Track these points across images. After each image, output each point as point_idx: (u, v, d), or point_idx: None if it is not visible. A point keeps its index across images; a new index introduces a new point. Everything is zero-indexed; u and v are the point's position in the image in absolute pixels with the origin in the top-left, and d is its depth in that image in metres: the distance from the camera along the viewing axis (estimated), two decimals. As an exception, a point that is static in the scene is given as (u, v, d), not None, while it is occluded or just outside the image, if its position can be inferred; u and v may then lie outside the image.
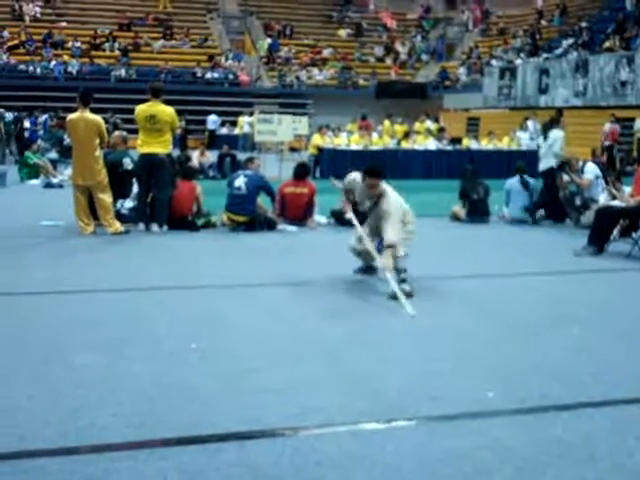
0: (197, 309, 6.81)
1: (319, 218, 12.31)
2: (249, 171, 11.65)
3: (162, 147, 10.97)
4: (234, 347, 5.67)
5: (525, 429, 4.26)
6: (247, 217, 11.30)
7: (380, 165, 8.02)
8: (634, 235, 10.02)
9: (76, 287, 7.56)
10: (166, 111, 11.00)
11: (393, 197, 7.54)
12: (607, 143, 23.39)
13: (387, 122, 27.29)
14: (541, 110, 29.09)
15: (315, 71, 41.00)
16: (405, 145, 22.20)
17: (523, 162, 13.90)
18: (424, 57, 43.65)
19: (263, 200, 11.85)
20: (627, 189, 10.73)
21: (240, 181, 11.35)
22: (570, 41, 32.00)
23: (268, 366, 5.23)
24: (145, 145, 11.03)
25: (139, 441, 4.02)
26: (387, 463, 3.79)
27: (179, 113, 11.79)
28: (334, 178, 11.40)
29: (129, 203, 11.65)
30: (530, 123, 25.65)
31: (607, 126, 24.22)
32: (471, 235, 11.47)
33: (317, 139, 22.41)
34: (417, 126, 27.59)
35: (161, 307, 6.88)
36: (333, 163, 20.34)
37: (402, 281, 7.17)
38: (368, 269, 8.04)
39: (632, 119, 23.85)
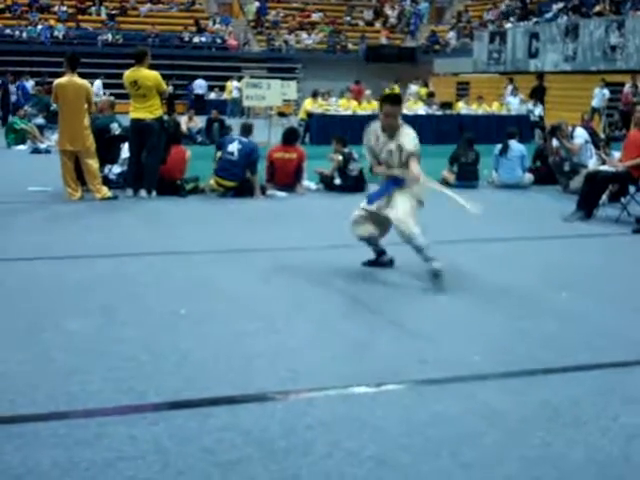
0: (187, 274, 6.81)
1: (308, 184, 12.29)
2: (244, 138, 11.55)
3: (149, 112, 10.88)
4: (224, 312, 5.68)
5: (513, 393, 4.30)
6: (236, 183, 11.26)
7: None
8: (623, 200, 10.06)
9: (65, 253, 7.55)
10: (149, 76, 10.90)
11: (412, 134, 6.75)
12: (623, 108, 22.93)
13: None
14: (530, 75, 29.07)
15: (304, 35, 40.71)
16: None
17: (515, 127, 13.86)
18: (414, 21, 43.34)
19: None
20: (616, 154, 10.74)
21: (234, 147, 11.26)
22: (560, 5, 31.81)
23: (258, 331, 5.25)
24: (134, 110, 10.97)
25: (131, 405, 4.04)
26: (376, 426, 3.82)
27: (166, 78, 11.68)
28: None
29: (117, 168, 11.60)
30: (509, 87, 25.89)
31: (598, 91, 24.13)
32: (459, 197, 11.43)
33: (308, 104, 22.29)
34: (414, 89, 27.51)
35: (150, 272, 6.88)
36: (323, 128, 20.25)
37: (428, 259, 6.47)
38: (378, 259, 7.18)
39: (622, 84, 23.79)
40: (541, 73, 22.98)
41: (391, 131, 6.72)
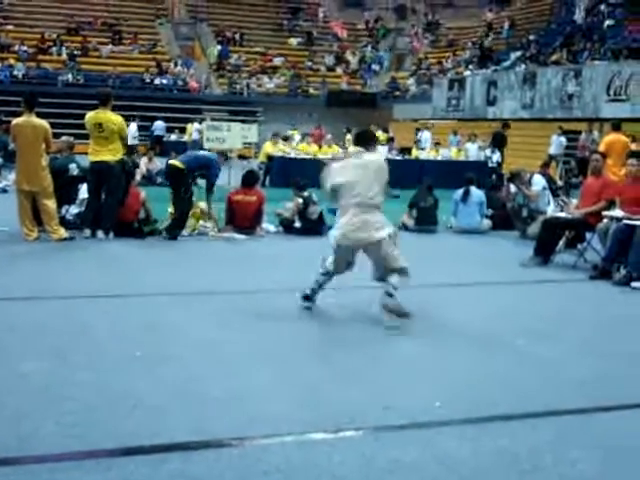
0: (143, 317, 6.71)
1: (268, 226, 12.27)
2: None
3: (112, 154, 10.84)
4: (179, 356, 5.59)
5: (472, 439, 4.27)
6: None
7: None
8: (579, 246, 10.17)
9: (19, 294, 7.41)
10: (113, 119, 10.89)
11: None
12: (580, 155, 23.20)
13: (349, 136, 27.19)
14: (489, 122, 29.47)
15: (265, 79, 40.97)
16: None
17: (473, 173, 14.04)
18: (374, 67, 43.87)
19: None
20: (574, 201, 10.88)
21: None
22: (518, 54, 32.44)
23: (214, 375, 5.17)
24: (95, 153, 10.90)
25: (83, 451, 3.94)
26: (334, 474, 3.76)
27: (127, 119, 11.67)
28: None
29: (74, 209, 11.49)
30: (421, 133, 26.56)
31: (555, 138, 24.51)
32: (418, 244, 11.49)
33: (268, 147, 22.36)
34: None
35: (106, 315, 6.77)
36: (283, 171, 20.31)
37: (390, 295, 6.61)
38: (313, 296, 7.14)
39: (579, 132, 24.22)
40: (505, 121, 23.28)
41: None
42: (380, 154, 7.04)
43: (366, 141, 7.10)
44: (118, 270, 8.96)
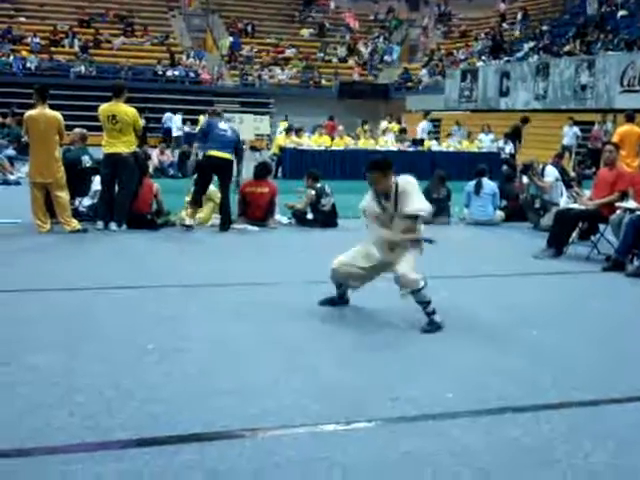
0: (155, 309, 6.73)
1: (280, 218, 12.28)
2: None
3: (125, 146, 10.88)
4: (192, 348, 5.61)
5: (484, 431, 4.27)
6: (230, 156, 11.46)
7: (384, 158, 6.89)
8: (593, 238, 10.13)
9: (32, 286, 7.44)
10: (127, 111, 10.92)
11: (410, 190, 6.56)
12: (592, 146, 23.12)
13: (366, 127, 27.22)
14: (502, 113, 29.36)
15: (277, 70, 40.92)
16: (366, 145, 22.25)
17: (485, 165, 13.99)
18: (387, 58, 43.76)
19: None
20: (587, 192, 10.84)
21: (224, 125, 11.63)
22: (531, 44, 32.28)
23: (227, 367, 5.19)
24: (109, 145, 10.92)
25: (97, 442, 3.96)
26: (346, 465, 3.77)
27: (140, 111, 11.69)
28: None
29: (87, 201, 11.53)
30: (423, 123, 26.61)
31: (568, 129, 24.40)
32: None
33: (280, 139, 22.38)
34: (385, 126, 27.72)
35: (119, 306, 6.79)
36: (295, 163, 20.34)
37: (430, 313, 6.34)
38: (339, 298, 7.00)
39: (592, 123, 24.10)
40: (525, 117, 23.16)
41: (385, 194, 6.55)
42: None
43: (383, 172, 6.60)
44: (131, 262, 8.98)
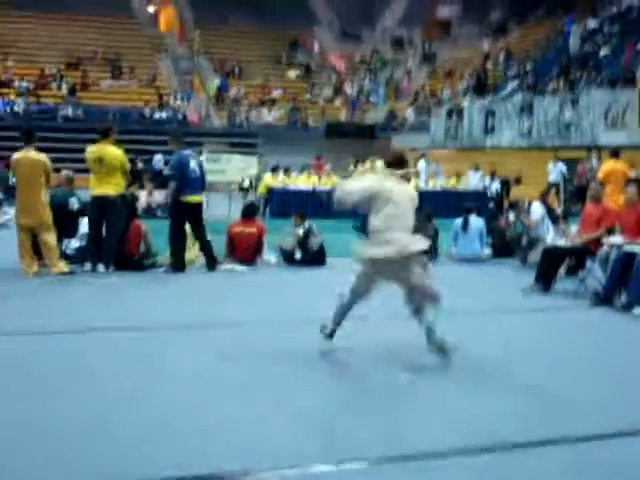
0: (139, 351, 6.67)
1: (269, 257, 12.27)
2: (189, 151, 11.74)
3: (113, 188, 10.87)
4: (177, 389, 5.56)
5: (475, 470, 4.24)
6: (201, 198, 11.59)
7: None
8: (580, 273, 10.15)
9: (15, 329, 7.40)
10: (114, 153, 10.93)
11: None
12: (578, 183, 23.30)
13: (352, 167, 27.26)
14: (487, 151, 29.56)
15: (264, 111, 41.16)
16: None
17: (473, 202, 14.02)
18: (372, 98, 44.09)
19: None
20: (573, 228, 10.89)
21: (193, 164, 11.42)
22: (515, 83, 32.60)
23: (213, 407, 5.14)
24: (96, 187, 10.91)
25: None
26: (337, 507, 3.73)
27: (127, 152, 11.70)
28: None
29: (75, 243, 11.50)
30: (421, 162, 26.58)
31: (553, 166, 24.51)
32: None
33: (268, 179, 22.46)
34: (367, 166, 27.76)
35: (102, 349, 6.72)
36: (282, 203, 20.39)
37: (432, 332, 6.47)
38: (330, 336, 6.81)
39: (577, 160, 24.28)
40: (518, 179, 23.44)
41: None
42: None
43: (399, 165, 6.84)
44: (118, 303, 8.93)
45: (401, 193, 6.52)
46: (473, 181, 24.30)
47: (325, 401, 5.39)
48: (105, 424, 4.78)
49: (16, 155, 10.78)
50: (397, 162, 6.81)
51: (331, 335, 6.77)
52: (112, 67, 41.28)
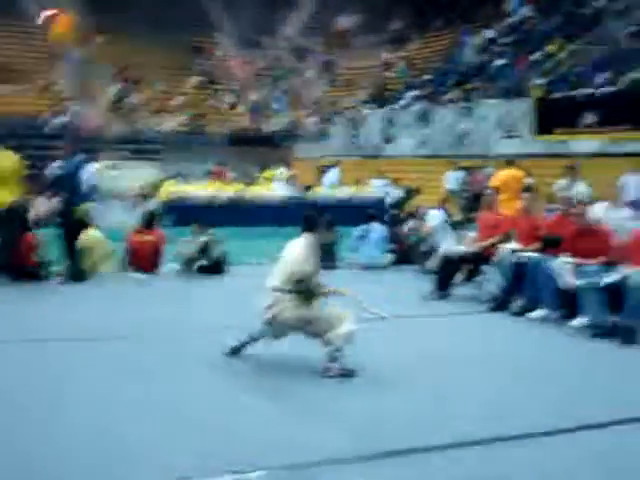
0: (30, 365, 6.51)
1: (171, 266, 12.13)
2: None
3: (5, 197, 10.56)
4: (81, 404, 5.44)
5: (371, 473, 4.27)
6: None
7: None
8: (478, 279, 10.37)
9: None
10: (6, 161, 10.63)
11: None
12: (472, 190, 23.72)
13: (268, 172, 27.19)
14: (386, 159, 29.91)
15: (166, 118, 40.70)
16: (254, 192, 22.27)
17: (374, 210, 14.17)
18: (275, 106, 44.12)
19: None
20: (470, 234, 11.12)
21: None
22: (414, 93, 33.11)
23: (104, 428, 5.03)
24: None
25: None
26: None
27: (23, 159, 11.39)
28: None
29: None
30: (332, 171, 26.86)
31: (451, 174, 24.90)
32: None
33: (168, 186, 22.20)
34: (266, 174, 27.74)
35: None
36: (184, 211, 20.16)
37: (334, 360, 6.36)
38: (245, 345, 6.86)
39: (473, 168, 24.77)
40: (417, 189, 23.72)
41: None
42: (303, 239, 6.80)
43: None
44: (10, 315, 8.68)
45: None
46: (378, 189, 24.53)
47: (223, 410, 5.35)
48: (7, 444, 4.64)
49: None
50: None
51: (236, 352, 6.79)
52: (5, 73, 40.15)
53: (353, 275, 12.59)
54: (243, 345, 6.81)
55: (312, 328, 6.42)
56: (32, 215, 12.08)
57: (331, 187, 24.80)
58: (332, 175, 27.38)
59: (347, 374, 6.30)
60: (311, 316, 6.44)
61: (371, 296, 10.37)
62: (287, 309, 6.41)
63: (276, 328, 6.51)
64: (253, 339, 6.76)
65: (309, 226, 6.80)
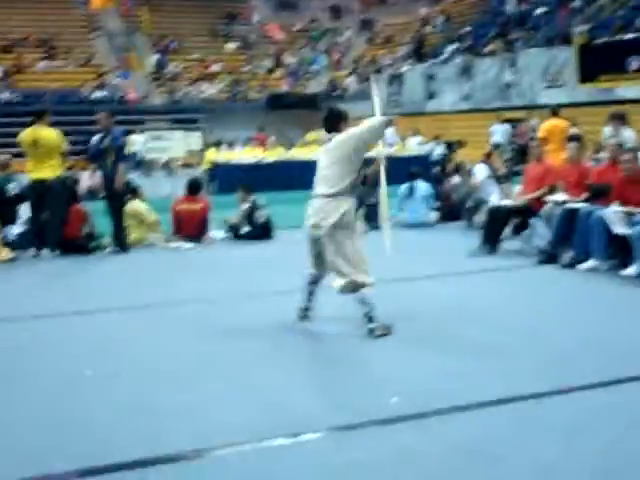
0: (92, 334, 6.60)
1: (216, 233, 12.18)
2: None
3: (51, 171, 10.71)
4: (131, 371, 5.51)
5: (429, 433, 4.27)
6: None
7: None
8: (526, 232, 10.25)
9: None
10: (50, 135, 10.75)
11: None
12: (519, 142, 23.47)
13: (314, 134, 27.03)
14: (429, 115, 29.64)
15: (205, 86, 40.72)
16: (298, 155, 22.23)
17: (418, 167, 14.06)
18: (313, 68, 43.88)
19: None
20: (516, 188, 10.98)
21: None
22: (455, 46, 32.67)
23: (167, 389, 5.10)
24: (34, 170, 10.74)
25: (38, 476, 3.85)
26: (293, 479, 3.73)
27: (66, 134, 11.50)
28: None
29: (17, 229, 11.27)
30: (390, 130, 26.39)
31: (497, 127, 24.58)
32: (367, 241, 11.47)
33: (211, 153, 22.26)
34: (310, 136, 27.63)
35: (54, 334, 6.65)
36: (228, 177, 20.22)
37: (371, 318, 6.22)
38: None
39: (519, 120, 24.46)
40: (461, 142, 23.33)
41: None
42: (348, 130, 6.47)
43: (330, 124, 6.58)
44: (65, 288, 8.82)
45: (328, 145, 6.43)
46: (413, 145, 24.36)
47: (275, 375, 5.37)
48: (64, 410, 4.72)
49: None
50: (329, 122, 6.59)
51: (304, 316, 6.69)
52: (46, 49, 40.44)
53: (400, 234, 12.50)
54: (306, 303, 6.66)
55: (339, 258, 6.23)
56: (81, 187, 12.22)
57: (395, 145, 24.44)
58: (390, 135, 26.91)
59: (387, 332, 6.23)
60: (345, 241, 6.27)
61: (419, 254, 10.40)
62: (331, 214, 6.23)
63: (314, 242, 6.35)
64: (308, 289, 6.62)
65: (334, 124, 6.54)
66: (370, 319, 6.23)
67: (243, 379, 5.30)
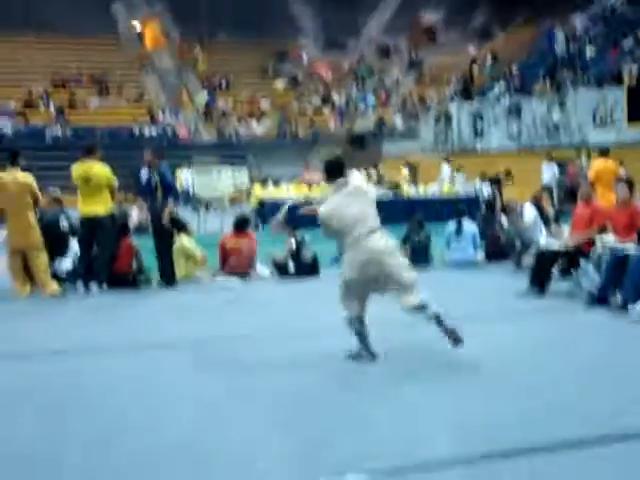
0: (137, 372, 6.63)
1: (263, 270, 12.21)
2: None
3: (101, 206, 10.83)
4: (175, 409, 5.52)
5: (478, 476, 4.20)
6: None
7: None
8: (574, 274, 10.11)
9: (10, 352, 7.34)
10: (101, 171, 10.89)
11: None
12: (569, 183, 23.39)
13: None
14: (477, 154, 29.58)
15: (253, 123, 41.17)
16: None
17: (463, 206, 14.01)
18: (361, 106, 44.14)
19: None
20: (565, 228, 10.86)
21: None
22: (502, 85, 32.68)
23: (213, 430, 5.09)
24: (85, 205, 10.87)
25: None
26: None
27: (116, 169, 11.65)
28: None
29: (66, 263, 11.42)
30: (445, 167, 26.48)
31: (547, 167, 24.41)
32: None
33: (257, 190, 22.44)
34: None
35: (100, 371, 6.69)
36: (274, 214, 20.31)
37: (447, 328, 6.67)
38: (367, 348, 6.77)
39: (566, 160, 24.30)
40: (508, 171, 23.42)
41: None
42: (357, 176, 6.99)
43: (337, 172, 6.89)
44: (112, 323, 8.88)
45: (347, 189, 6.74)
46: (459, 180, 24.43)
47: (326, 414, 5.34)
48: (109, 448, 4.74)
49: (1, 176, 10.66)
50: (338, 169, 6.92)
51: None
52: (99, 86, 41.26)
53: (447, 273, 12.45)
54: (362, 343, 6.73)
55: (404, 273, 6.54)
56: (132, 222, 12.34)
57: (449, 182, 24.57)
58: (445, 171, 26.96)
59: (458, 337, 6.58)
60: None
61: (466, 294, 10.30)
62: (389, 241, 6.70)
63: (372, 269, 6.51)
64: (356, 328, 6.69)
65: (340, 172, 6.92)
66: (441, 322, 6.58)
67: (284, 419, 5.27)
